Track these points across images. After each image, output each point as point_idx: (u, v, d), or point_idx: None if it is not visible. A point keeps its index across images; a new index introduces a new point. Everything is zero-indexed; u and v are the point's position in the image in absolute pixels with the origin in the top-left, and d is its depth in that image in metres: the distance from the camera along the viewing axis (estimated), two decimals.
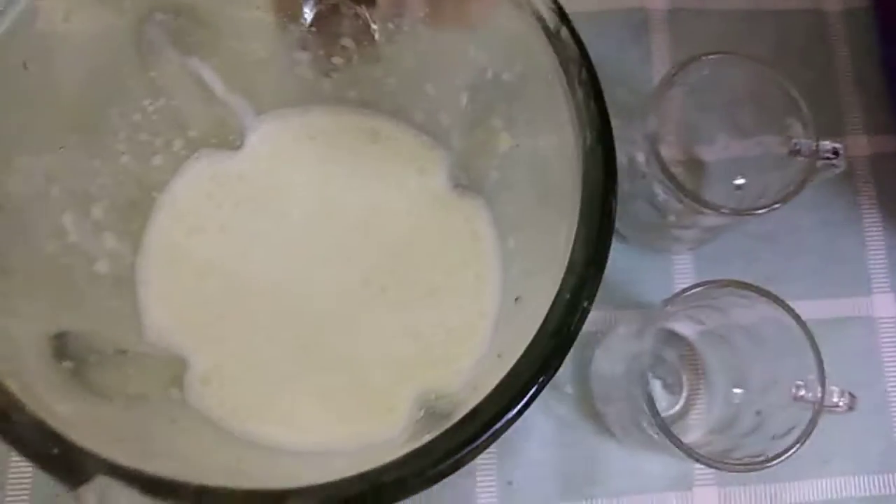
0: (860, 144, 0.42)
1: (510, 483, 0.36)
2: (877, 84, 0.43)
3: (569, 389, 0.38)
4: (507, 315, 0.33)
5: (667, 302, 0.31)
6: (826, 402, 0.31)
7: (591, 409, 0.38)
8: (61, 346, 0.24)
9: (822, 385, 0.31)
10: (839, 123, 0.42)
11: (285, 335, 0.33)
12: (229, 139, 0.35)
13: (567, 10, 0.42)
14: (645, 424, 0.32)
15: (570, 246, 0.23)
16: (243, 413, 0.31)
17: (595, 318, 0.39)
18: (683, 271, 0.40)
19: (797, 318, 0.31)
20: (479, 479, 0.36)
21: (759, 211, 0.32)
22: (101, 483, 0.20)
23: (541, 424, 0.37)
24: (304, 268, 0.34)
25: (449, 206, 0.35)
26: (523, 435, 0.37)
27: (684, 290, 0.31)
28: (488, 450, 0.36)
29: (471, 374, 0.32)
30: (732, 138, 0.38)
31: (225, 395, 0.31)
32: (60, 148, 0.27)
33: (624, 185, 0.38)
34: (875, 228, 0.41)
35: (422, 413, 0.30)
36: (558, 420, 0.38)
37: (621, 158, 0.40)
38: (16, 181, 0.26)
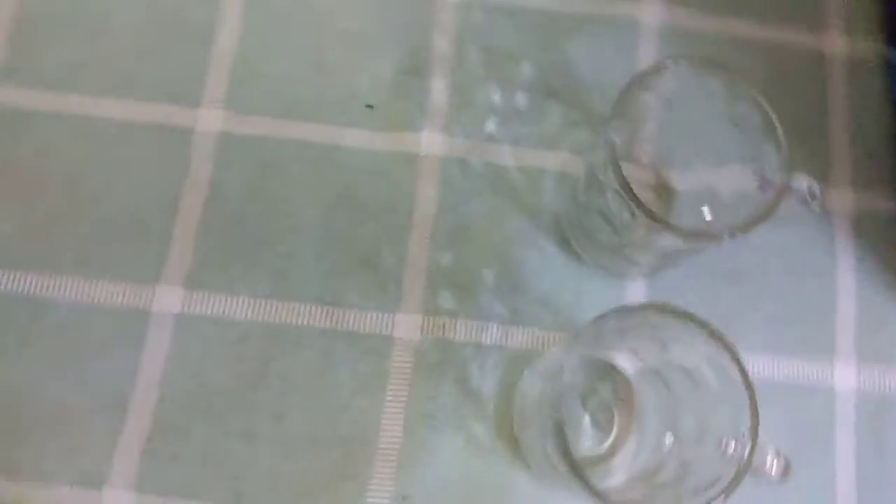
0: (846, 198, 0.39)
1: (405, 498, 0.33)
2: (873, 137, 0.40)
3: (490, 407, 0.35)
4: None
5: (595, 321, 0.28)
6: (756, 463, 0.27)
7: (509, 433, 0.34)
8: None
9: (753, 440, 0.27)
10: (826, 173, 0.39)
11: None
12: None
13: (553, 9, 0.40)
14: (555, 458, 0.29)
15: None
16: None
17: (530, 335, 0.36)
18: (635, 300, 0.37)
19: (738, 361, 0.28)
20: (371, 487, 0.33)
21: (715, 237, 0.29)
22: None
23: (451, 440, 0.34)
24: None
25: None
26: (430, 448, 0.34)
27: (613, 312, 0.27)
28: (388, 456, 0.33)
29: None
30: (706, 164, 0.35)
31: None
32: None
33: (580, 196, 0.35)
34: (848, 288, 0.38)
35: None
36: (471, 439, 0.34)
37: (580, 169, 0.38)
38: None
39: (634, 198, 0.29)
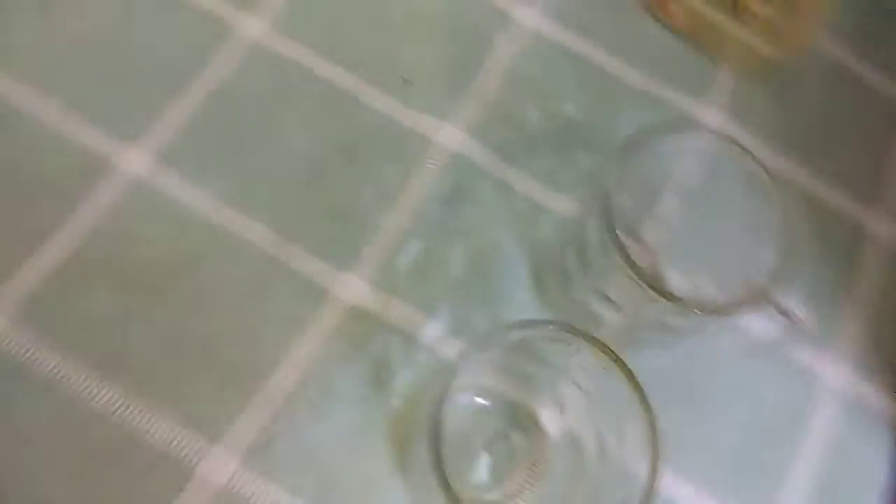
0: (839, 374, 0.36)
1: (266, 445, 0.30)
2: (888, 328, 0.38)
3: (396, 401, 0.32)
4: None
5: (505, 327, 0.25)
6: None
7: (402, 435, 0.32)
8: None
9: None
10: (827, 343, 0.37)
11: None
12: None
13: (614, 72, 0.39)
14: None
15: None
16: None
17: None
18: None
19: (653, 428, 0.25)
20: (239, 420, 0.30)
21: (678, 302, 0.27)
22: None
23: (341, 416, 0.32)
24: None
25: None
26: (315, 413, 0.31)
27: (528, 321, 0.25)
28: (270, 401, 0.31)
29: None
30: (701, 264, 0.33)
31: None
32: None
33: (570, 233, 0.34)
34: (811, 454, 0.35)
35: None
36: (362, 423, 0.32)
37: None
38: None
39: (614, 236, 0.27)
